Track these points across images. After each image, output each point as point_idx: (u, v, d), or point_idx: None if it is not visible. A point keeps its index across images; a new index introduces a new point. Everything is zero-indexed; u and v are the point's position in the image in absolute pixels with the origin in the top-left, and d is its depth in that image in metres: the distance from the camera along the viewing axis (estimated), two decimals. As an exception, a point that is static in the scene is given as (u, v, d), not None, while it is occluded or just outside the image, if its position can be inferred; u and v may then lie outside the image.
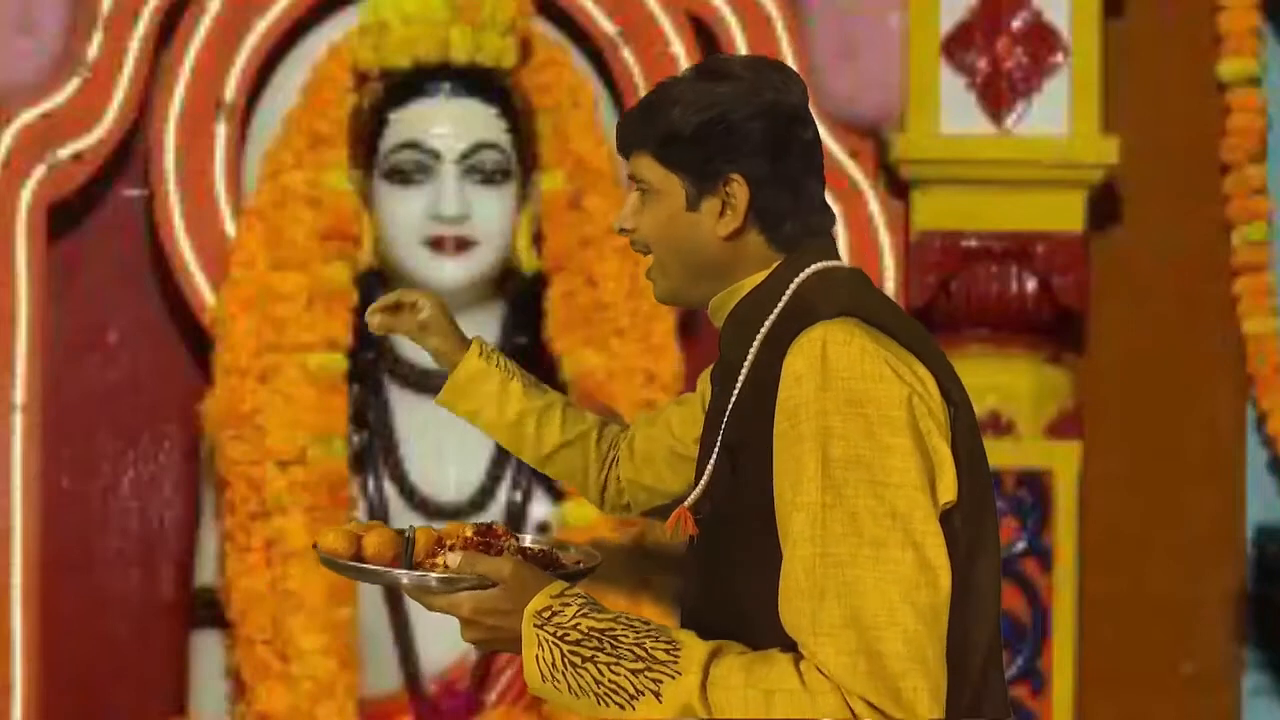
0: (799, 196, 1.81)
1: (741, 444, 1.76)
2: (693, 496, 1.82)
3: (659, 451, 2.14)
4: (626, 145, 1.85)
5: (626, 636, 1.67)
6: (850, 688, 1.60)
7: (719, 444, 1.80)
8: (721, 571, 1.77)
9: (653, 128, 1.81)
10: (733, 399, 1.79)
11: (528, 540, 1.91)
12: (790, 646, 1.65)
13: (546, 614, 1.70)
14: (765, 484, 1.71)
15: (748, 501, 1.73)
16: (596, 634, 1.67)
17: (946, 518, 1.68)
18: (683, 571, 1.88)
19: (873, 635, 1.61)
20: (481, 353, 2.16)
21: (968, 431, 1.75)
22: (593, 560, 1.89)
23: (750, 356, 1.78)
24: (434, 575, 1.77)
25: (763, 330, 1.78)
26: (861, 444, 1.65)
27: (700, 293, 1.86)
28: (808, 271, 1.80)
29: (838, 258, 1.85)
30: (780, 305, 1.79)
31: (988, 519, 1.76)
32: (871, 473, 1.64)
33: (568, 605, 1.69)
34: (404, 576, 1.78)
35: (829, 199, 1.84)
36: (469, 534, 1.81)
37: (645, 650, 1.66)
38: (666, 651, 1.65)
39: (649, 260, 1.85)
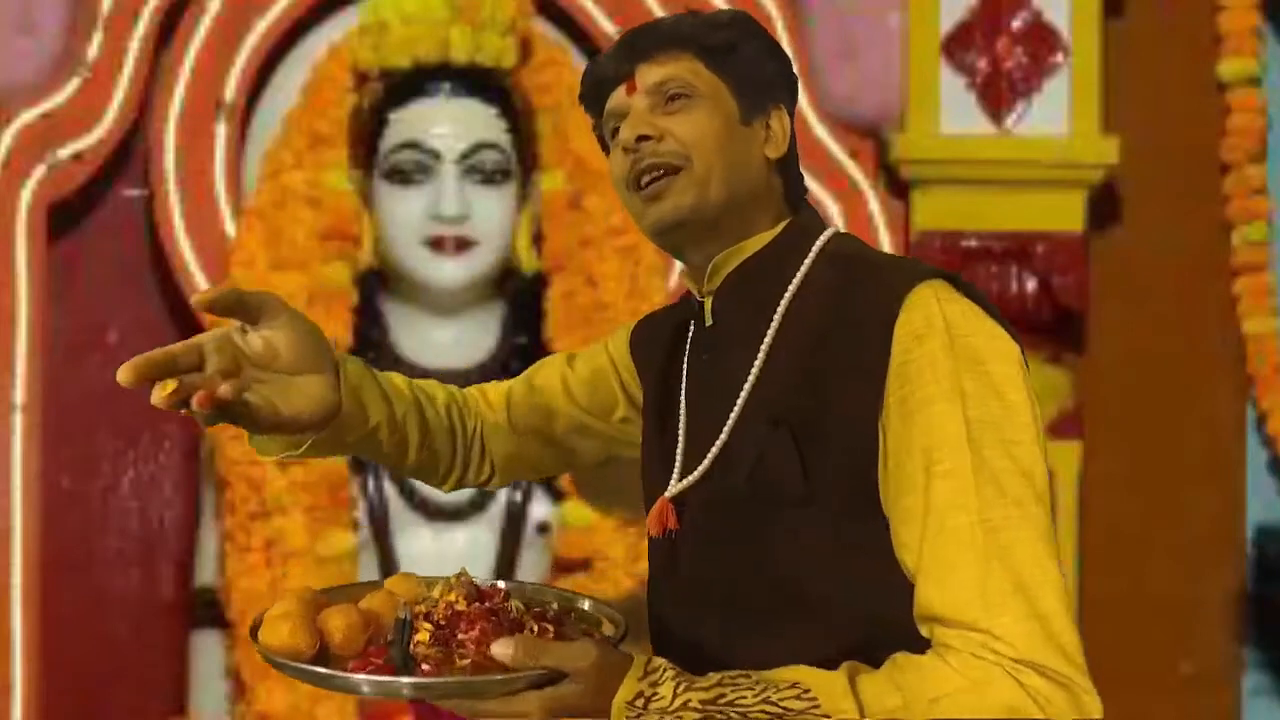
0: (797, 156, 1.77)
1: (803, 413, 1.60)
2: (683, 483, 1.69)
3: (558, 425, 1.97)
4: (661, 45, 1.72)
5: (744, 698, 1.49)
6: (1030, 656, 1.48)
7: (737, 417, 1.65)
8: (769, 564, 1.61)
9: (706, 34, 1.72)
10: (757, 367, 1.65)
11: (526, 592, 1.67)
12: (900, 632, 1.53)
13: (641, 702, 1.48)
14: (852, 457, 1.57)
15: (822, 478, 1.58)
16: (711, 706, 1.48)
17: None
18: (663, 573, 1.74)
19: (1036, 596, 1.49)
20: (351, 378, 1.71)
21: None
22: (615, 622, 1.64)
23: (777, 320, 1.66)
24: (485, 677, 1.42)
25: (788, 292, 1.67)
26: (991, 403, 1.54)
27: (715, 224, 1.68)
28: (830, 232, 1.72)
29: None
30: (805, 266, 1.68)
31: None
32: (1001, 431, 1.53)
33: (659, 684, 1.50)
34: (432, 684, 1.42)
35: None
36: (454, 598, 1.52)
37: (775, 704, 1.48)
38: (798, 698, 1.48)
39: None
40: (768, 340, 1.66)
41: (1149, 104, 4.03)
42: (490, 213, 3.70)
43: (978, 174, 3.87)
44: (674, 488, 1.72)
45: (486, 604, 1.52)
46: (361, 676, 1.42)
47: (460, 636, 1.46)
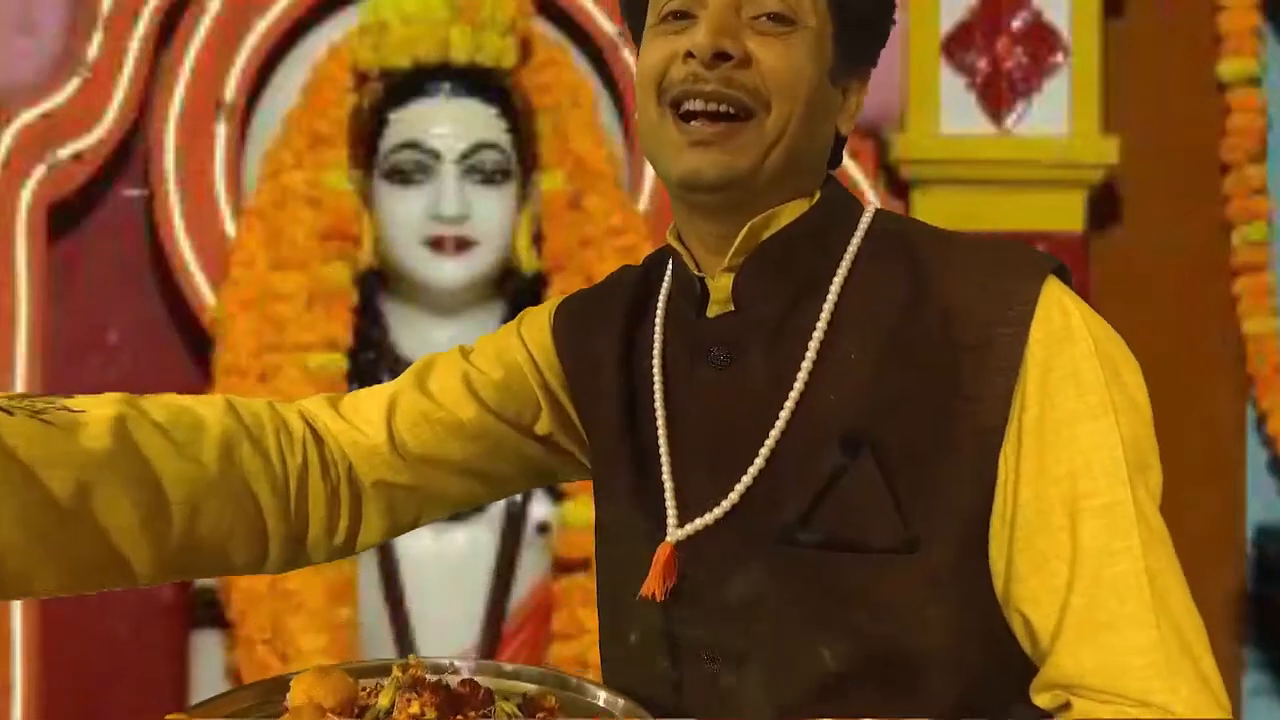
0: None
1: (891, 433, 1.26)
2: (698, 522, 1.31)
3: (470, 444, 1.51)
4: None
5: None
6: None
7: (782, 435, 1.30)
8: (838, 629, 1.27)
9: None
10: (806, 369, 1.31)
11: (462, 677, 1.33)
12: (996, 704, 1.26)
13: None
14: (964, 491, 1.25)
15: (922, 518, 1.25)
16: None
17: None
18: (651, 646, 1.35)
19: (1199, 655, 1.24)
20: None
21: None
22: (637, 713, 1.28)
23: (828, 309, 1.32)
24: None
25: (841, 272, 1.34)
26: (1136, 423, 1.27)
27: (770, 187, 1.33)
28: (873, 210, 1.40)
29: None
30: (856, 244, 1.36)
31: None
32: (1143, 455, 1.27)
33: None
34: None
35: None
36: (418, 710, 1.19)
37: None
38: None
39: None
40: (818, 334, 1.32)
41: (1149, 104, 4.03)
42: (490, 213, 3.70)
43: (978, 174, 3.87)
44: (683, 530, 1.33)
45: (460, 716, 1.20)
46: None
47: None
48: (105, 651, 3.82)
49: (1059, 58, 3.88)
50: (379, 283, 3.78)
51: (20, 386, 3.70)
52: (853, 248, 1.36)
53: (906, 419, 1.26)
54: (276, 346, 3.67)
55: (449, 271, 3.70)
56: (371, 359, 3.78)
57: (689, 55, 1.32)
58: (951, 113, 3.87)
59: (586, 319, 1.52)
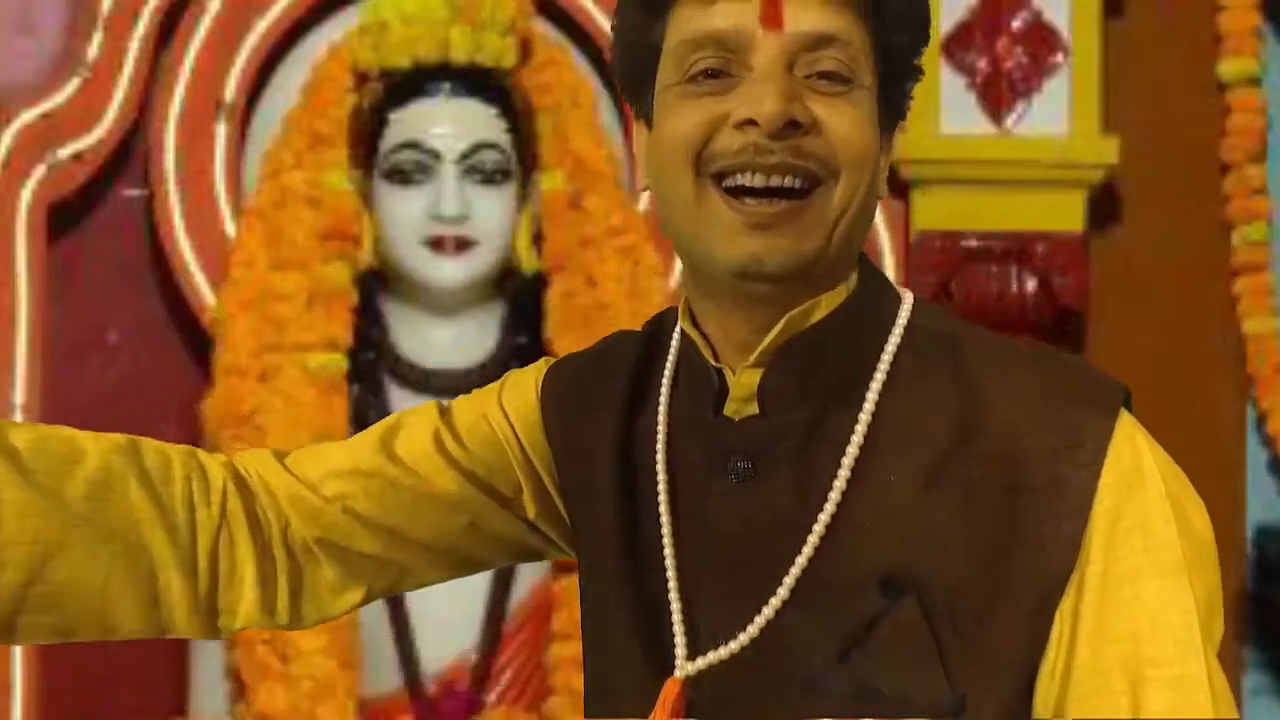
0: None
1: (937, 577, 1.11)
2: (708, 658, 1.15)
3: (441, 516, 1.32)
4: None
5: None
6: None
7: (807, 566, 1.14)
8: None
9: (898, 5, 1.16)
10: (838, 490, 1.15)
11: None
12: None
13: None
14: (1015, 649, 1.11)
15: (967, 679, 1.11)
16: None
17: None
18: None
19: None
20: None
21: None
22: None
23: (864, 420, 1.16)
24: None
25: (879, 377, 1.18)
26: (1209, 575, 1.14)
27: (829, 272, 1.17)
28: (913, 300, 1.23)
29: None
30: (894, 344, 1.19)
31: None
32: (1212, 608, 1.13)
33: None
34: None
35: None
36: None
37: None
38: None
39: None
40: (853, 449, 1.16)
41: (1149, 104, 4.03)
42: (490, 213, 3.70)
43: (978, 174, 3.86)
44: (693, 664, 1.16)
45: None
46: None
47: None
48: (105, 651, 3.80)
49: (1059, 58, 3.88)
50: (379, 283, 3.78)
51: (20, 386, 3.69)
52: (891, 347, 1.19)
53: (956, 561, 1.11)
54: (276, 346, 3.67)
55: (449, 271, 3.70)
56: (371, 359, 3.78)
57: (748, 123, 1.12)
58: (951, 113, 3.87)
59: (580, 397, 1.31)
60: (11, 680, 3.65)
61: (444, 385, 3.76)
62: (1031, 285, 3.87)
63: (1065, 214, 3.87)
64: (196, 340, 3.80)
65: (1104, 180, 3.90)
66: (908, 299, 1.23)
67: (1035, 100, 3.88)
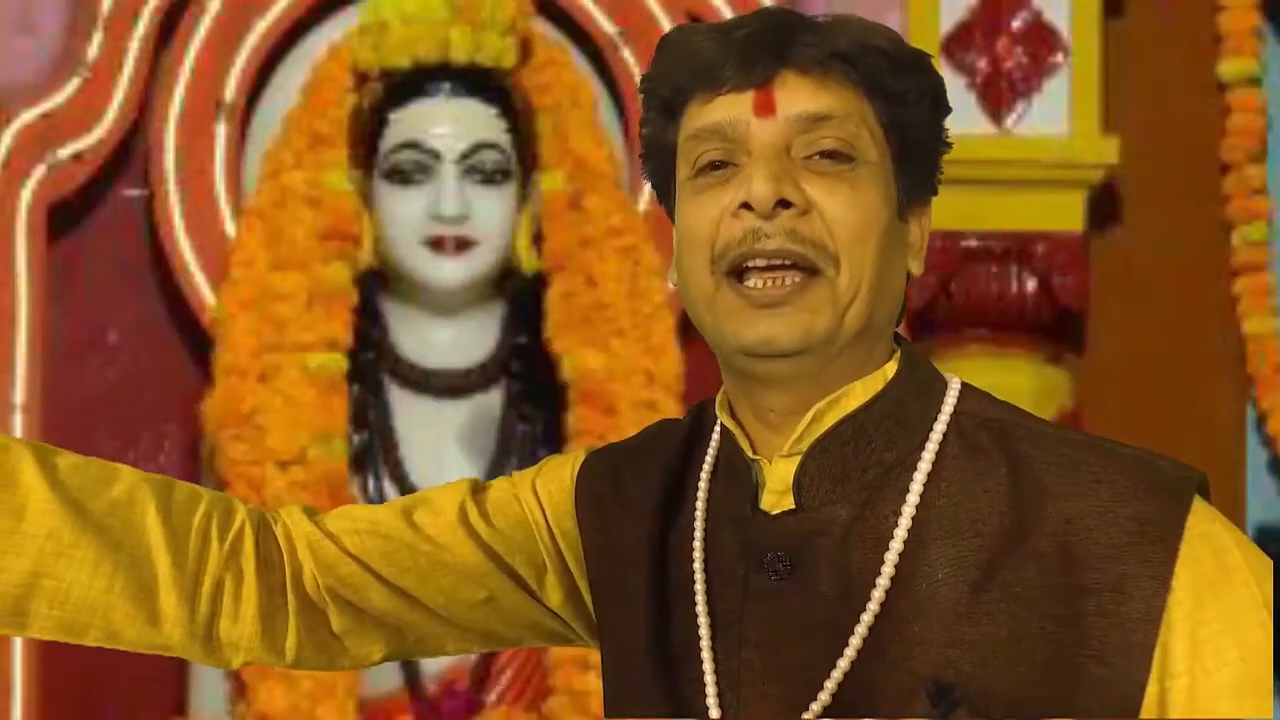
0: None
1: (993, 690, 1.04)
2: None
3: (457, 588, 1.30)
4: (824, 56, 1.13)
5: None
6: None
7: (846, 674, 1.08)
8: None
9: (888, 65, 1.15)
10: (881, 590, 1.09)
11: None
12: None
13: None
14: None
15: None
16: None
17: None
18: None
19: None
20: None
21: None
22: None
23: (907, 519, 1.11)
24: None
25: (923, 471, 1.12)
26: None
27: (845, 355, 1.15)
28: (958, 386, 1.20)
29: None
30: (939, 436, 1.15)
31: None
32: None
33: None
34: None
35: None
36: None
37: None
38: None
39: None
40: (897, 544, 1.10)
41: (1149, 104, 4.03)
42: (490, 213, 3.70)
43: (978, 174, 3.85)
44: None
45: None
46: None
47: None
48: (105, 651, 3.80)
49: (1059, 58, 3.88)
50: (379, 283, 3.78)
51: (20, 386, 3.69)
52: (937, 435, 1.15)
53: (1012, 670, 1.03)
54: (276, 346, 3.67)
55: (449, 271, 3.70)
56: (371, 359, 3.78)
57: (743, 207, 1.13)
58: (951, 113, 3.87)
59: (616, 496, 1.28)
60: (11, 680, 3.65)
61: (444, 385, 3.76)
62: (1031, 285, 3.87)
63: (1065, 214, 3.87)
64: (196, 340, 3.80)
65: (1104, 180, 3.90)
66: (955, 385, 1.20)
67: (1035, 100, 3.88)
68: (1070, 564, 1.05)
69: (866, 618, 1.08)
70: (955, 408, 1.17)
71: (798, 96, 1.13)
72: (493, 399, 3.78)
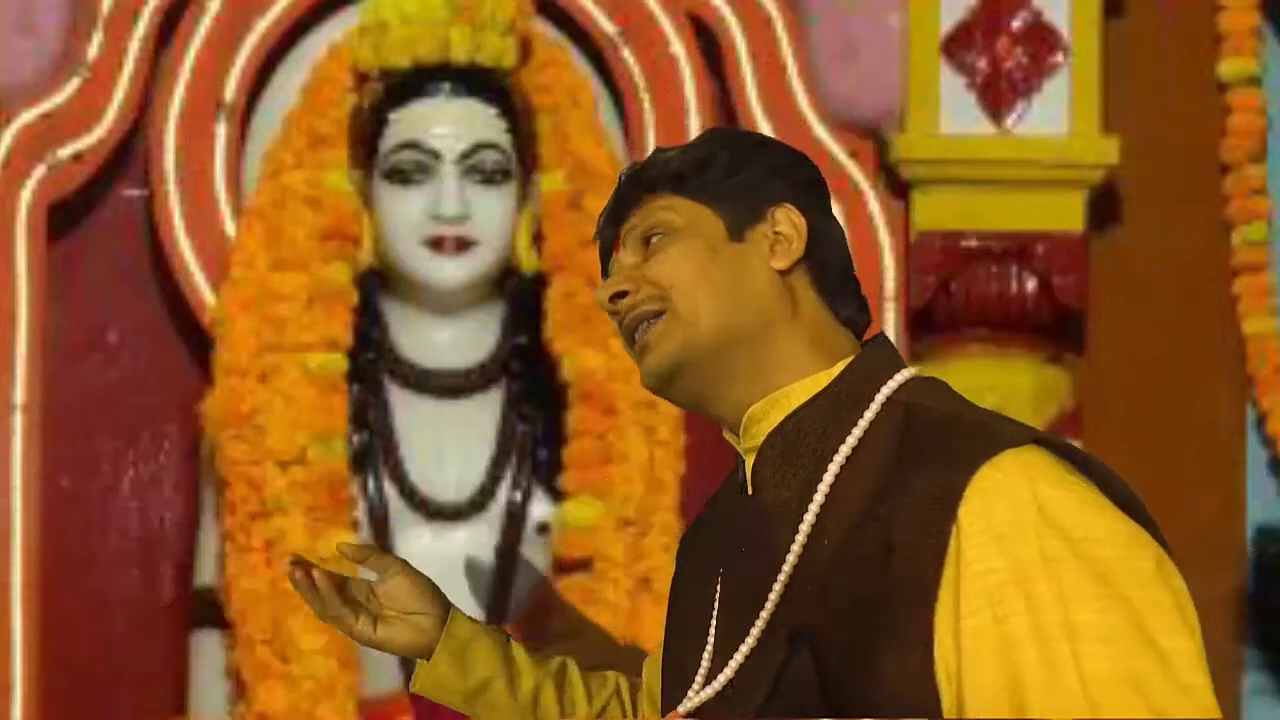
0: (847, 266, 1.47)
1: (833, 632, 1.26)
2: (695, 700, 1.35)
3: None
4: (635, 196, 1.47)
5: None
6: None
7: (764, 624, 1.32)
8: None
9: (675, 163, 1.47)
10: (790, 559, 1.32)
11: None
12: None
13: None
14: (894, 702, 1.20)
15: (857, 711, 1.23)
16: None
17: None
18: None
19: None
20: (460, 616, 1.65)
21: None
22: None
23: (820, 496, 1.32)
24: None
25: (841, 456, 1.33)
26: (1136, 653, 1.14)
27: (724, 367, 1.39)
28: (902, 377, 1.37)
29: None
30: (864, 425, 1.34)
31: None
32: (1150, 692, 1.13)
33: None
34: None
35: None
36: None
37: None
38: None
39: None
40: (806, 524, 1.31)
41: (1149, 104, 4.03)
42: (490, 213, 3.70)
43: (978, 174, 3.86)
44: (688, 701, 1.37)
45: None
46: None
47: None
48: (105, 651, 3.82)
49: (1059, 58, 3.88)
50: (379, 283, 3.78)
51: (20, 386, 3.69)
52: (858, 431, 1.33)
53: (852, 619, 1.24)
54: (276, 346, 3.67)
55: (449, 271, 3.70)
56: (371, 359, 3.78)
57: (611, 314, 1.48)
58: (951, 113, 3.87)
59: (701, 524, 1.59)
60: (11, 680, 3.65)
61: (444, 385, 3.77)
62: (1031, 285, 3.87)
63: (1065, 214, 3.87)
64: (196, 340, 3.80)
65: (1104, 180, 3.90)
66: (899, 377, 1.37)
67: (1035, 100, 3.88)
68: (891, 524, 1.25)
69: (778, 586, 1.31)
70: (888, 398, 1.34)
71: (631, 232, 1.47)
72: (493, 399, 3.79)
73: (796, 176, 1.47)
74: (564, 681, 1.59)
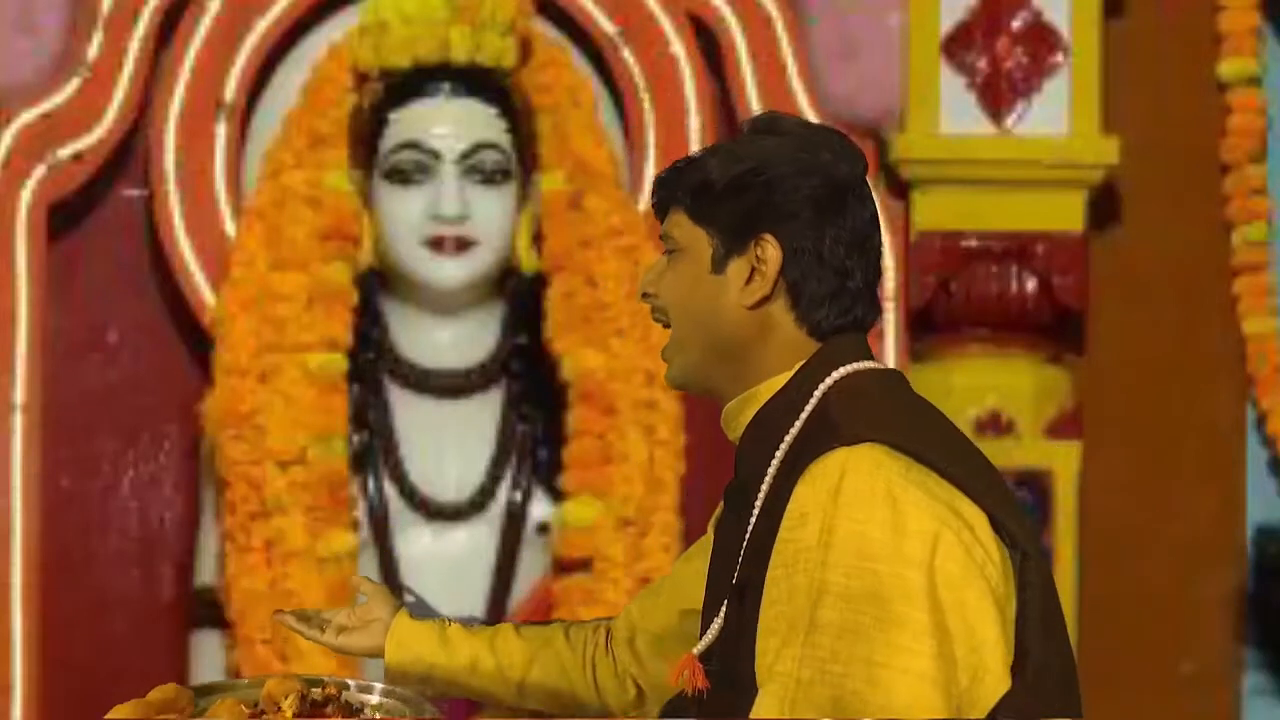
0: (842, 278, 1.57)
1: (751, 585, 1.49)
2: (704, 643, 1.55)
3: (676, 622, 1.76)
4: (661, 202, 1.63)
5: None
6: None
7: (733, 582, 1.53)
8: None
9: (687, 178, 1.60)
10: (749, 530, 1.52)
11: (375, 699, 1.73)
12: None
13: None
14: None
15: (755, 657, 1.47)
16: None
17: (1007, 707, 1.39)
18: None
19: None
20: (412, 614, 1.88)
21: (1044, 588, 1.45)
22: None
23: (768, 479, 1.52)
24: None
25: (782, 447, 1.52)
26: (864, 609, 1.38)
27: (716, 377, 1.59)
28: (837, 375, 1.54)
29: (870, 355, 1.58)
30: (803, 416, 1.53)
31: (1073, 692, 1.46)
32: (870, 648, 1.37)
33: None
34: None
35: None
36: (290, 713, 1.61)
37: None
38: None
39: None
40: (759, 501, 1.52)
41: (1149, 104, 4.03)
42: (490, 213, 3.70)
43: (978, 174, 3.86)
44: (700, 644, 1.58)
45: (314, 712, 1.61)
46: None
47: None
48: (105, 651, 3.82)
49: (1059, 58, 3.88)
50: (379, 283, 3.78)
51: (20, 386, 3.69)
52: (800, 422, 1.53)
53: (760, 575, 1.47)
54: (276, 346, 3.67)
55: (449, 271, 3.70)
56: (371, 359, 3.78)
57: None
58: (951, 113, 3.87)
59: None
60: (12, 680, 3.65)
61: (443, 385, 3.77)
62: (1031, 285, 3.87)
63: (1065, 214, 3.87)
64: (196, 340, 3.80)
65: (1104, 180, 3.90)
66: (836, 374, 1.54)
67: (1035, 100, 3.88)
68: (779, 498, 1.49)
69: (746, 543, 1.51)
70: (815, 403, 1.53)
71: (663, 232, 1.64)
72: (493, 399, 3.79)
73: (792, 196, 1.56)
74: (499, 640, 1.81)
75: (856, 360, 1.56)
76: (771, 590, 1.44)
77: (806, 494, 1.45)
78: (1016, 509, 1.49)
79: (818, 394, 1.53)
